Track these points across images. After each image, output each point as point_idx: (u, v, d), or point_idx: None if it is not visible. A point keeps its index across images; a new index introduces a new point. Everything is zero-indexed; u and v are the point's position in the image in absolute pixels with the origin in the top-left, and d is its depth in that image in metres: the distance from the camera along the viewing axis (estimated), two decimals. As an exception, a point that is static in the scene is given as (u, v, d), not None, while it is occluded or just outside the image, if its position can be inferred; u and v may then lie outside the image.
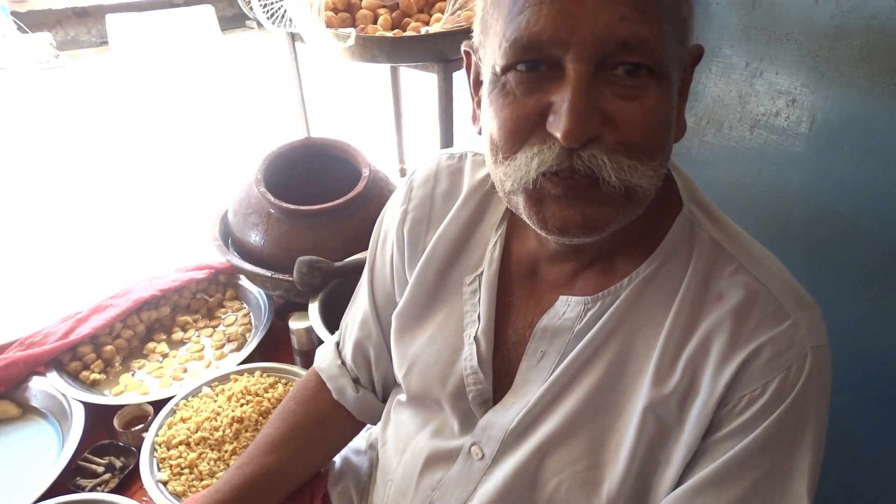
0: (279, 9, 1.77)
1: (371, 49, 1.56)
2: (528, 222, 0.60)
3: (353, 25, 1.67)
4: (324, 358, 0.96)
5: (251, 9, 1.86)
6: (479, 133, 0.64)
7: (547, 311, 0.69)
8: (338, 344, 0.96)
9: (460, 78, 1.72)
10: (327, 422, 0.93)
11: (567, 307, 0.67)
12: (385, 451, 0.87)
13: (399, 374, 0.82)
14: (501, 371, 0.73)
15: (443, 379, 0.75)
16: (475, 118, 0.65)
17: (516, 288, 0.73)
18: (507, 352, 0.73)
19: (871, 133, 0.93)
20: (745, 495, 0.58)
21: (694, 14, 0.56)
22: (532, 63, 0.53)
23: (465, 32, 1.59)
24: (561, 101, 0.51)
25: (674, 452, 0.62)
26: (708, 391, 0.59)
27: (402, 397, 0.84)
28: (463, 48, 0.65)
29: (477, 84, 0.64)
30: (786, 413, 0.57)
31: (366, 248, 1.58)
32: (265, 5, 1.80)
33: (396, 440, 0.84)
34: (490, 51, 0.56)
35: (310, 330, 1.47)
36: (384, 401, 0.93)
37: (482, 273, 0.74)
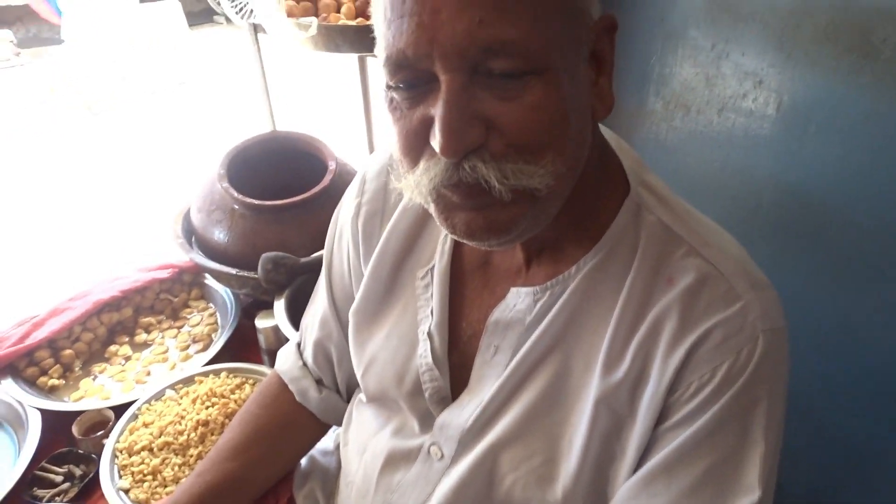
0: (247, 3, 1.72)
1: (334, 38, 1.52)
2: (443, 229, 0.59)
3: (316, 15, 1.63)
4: (285, 360, 0.93)
5: (219, 3, 1.82)
6: None
7: (499, 304, 0.66)
8: (299, 345, 0.93)
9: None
10: (291, 425, 0.91)
11: (518, 299, 0.65)
12: (346, 452, 0.84)
13: (358, 374, 0.80)
14: (458, 366, 0.71)
15: (399, 377, 0.73)
16: None
17: (469, 280, 0.72)
18: (463, 346, 0.71)
19: (837, 112, 0.92)
20: (695, 484, 0.57)
21: None
22: (409, 82, 0.51)
23: (430, 20, 1.55)
24: (437, 115, 0.50)
25: (628, 443, 0.61)
26: (658, 378, 0.58)
27: (363, 396, 0.82)
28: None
29: None
30: (735, 398, 0.56)
31: (334, 244, 1.55)
32: (234, 1, 1.76)
33: (357, 441, 0.82)
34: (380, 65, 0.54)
35: (277, 328, 1.43)
36: (349, 401, 0.90)
37: (434, 266, 0.72)
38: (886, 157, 0.89)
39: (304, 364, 0.91)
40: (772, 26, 0.93)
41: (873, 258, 0.96)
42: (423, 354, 0.71)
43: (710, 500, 0.56)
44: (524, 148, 0.51)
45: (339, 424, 0.93)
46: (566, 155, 0.54)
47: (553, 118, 0.52)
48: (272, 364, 1.47)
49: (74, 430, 1.29)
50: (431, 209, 0.57)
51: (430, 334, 0.70)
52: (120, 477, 1.21)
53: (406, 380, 0.73)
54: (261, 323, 1.44)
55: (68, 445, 1.30)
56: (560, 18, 0.51)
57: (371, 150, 2.39)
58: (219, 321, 1.65)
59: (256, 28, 1.84)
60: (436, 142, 0.50)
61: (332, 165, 1.63)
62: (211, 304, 1.72)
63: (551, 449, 0.63)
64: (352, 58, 2.27)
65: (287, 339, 1.44)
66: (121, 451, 1.25)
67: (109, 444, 1.25)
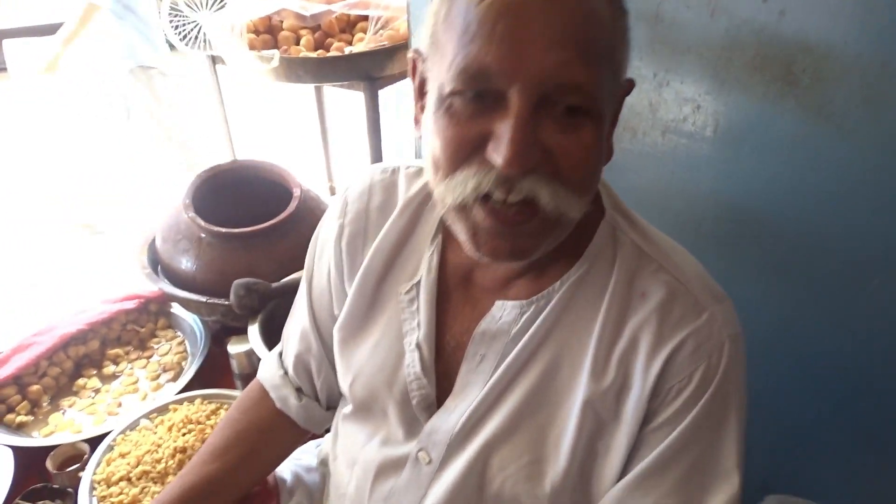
0: (193, 30, 1.75)
1: (296, 70, 1.58)
2: (465, 244, 0.63)
3: (275, 47, 1.68)
4: (266, 368, 0.96)
5: (163, 32, 1.84)
6: (421, 137, 0.67)
7: (484, 316, 0.72)
8: (280, 354, 0.97)
9: (386, 95, 1.76)
10: (271, 430, 0.93)
11: (503, 311, 0.71)
12: (336, 465, 0.88)
13: (344, 385, 0.83)
14: (442, 375, 0.76)
15: (388, 386, 0.77)
16: (417, 122, 0.68)
17: (452, 295, 0.76)
18: (448, 357, 0.76)
19: (767, 133, 1.02)
20: (685, 476, 0.64)
21: (629, 55, 0.61)
22: (478, 92, 0.55)
23: (389, 52, 1.63)
24: (503, 131, 0.54)
25: (613, 443, 0.67)
26: (640, 385, 0.65)
27: (348, 410, 0.85)
28: (409, 55, 0.67)
29: (421, 90, 0.67)
30: (712, 398, 0.63)
31: (302, 268, 1.59)
32: (178, 27, 1.78)
33: (346, 454, 0.85)
34: (438, 68, 0.59)
35: (250, 353, 1.45)
36: (328, 409, 0.94)
37: (419, 281, 0.77)
38: (811, 171, 1.00)
39: (285, 373, 0.94)
40: (707, 58, 1.04)
41: (803, 263, 1.07)
42: (412, 364, 0.75)
43: (697, 488, 0.64)
44: (570, 179, 0.57)
45: (319, 431, 0.97)
46: (592, 193, 0.61)
47: (596, 159, 0.59)
48: (245, 387, 1.50)
49: (49, 464, 1.29)
50: (457, 223, 0.62)
51: (418, 345, 0.75)
52: (99, 509, 1.21)
53: (394, 389, 0.77)
54: (233, 348, 1.46)
55: (42, 481, 1.29)
56: (614, 74, 0.58)
57: (329, 175, 2.43)
58: (188, 349, 1.66)
59: (215, 59, 1.87)
60: (499, 154, 0.54)
61: (296, 192, 1.67)
62: (179, 333, 1.72)
63: (538, 448, 0.69)
64: (307, 87, 2.32)
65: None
66: (98, 483, 1.25)
67: (87, 476, 1.25)
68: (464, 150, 0.57)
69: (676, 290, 0.66)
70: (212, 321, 1.65)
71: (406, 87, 1.73)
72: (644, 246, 0.69)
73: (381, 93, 1.70)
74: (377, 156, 1.74)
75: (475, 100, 0.56)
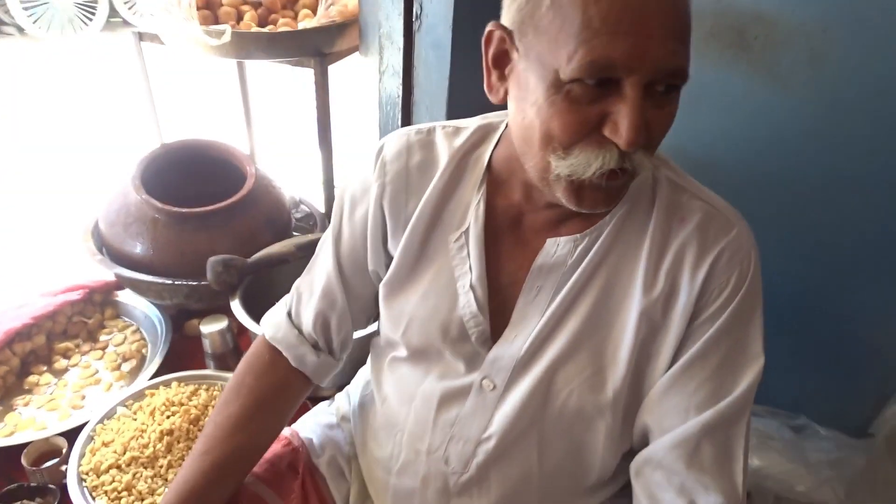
0: (45, 12, 1.65)
1: (247, 46, 1.55)
2: (561, 200, 0.70)
3: (216, 22, 1.63)
4: (277, 329, 0.96)
5: (7, 11, 1.72)
6: (499, 101, 0.73)
7: (539, 252, 0.80)
8: (289, 314, 0.97)
9: (335, 71, 1.76)
10: (287, 389, 0.95)
11: (557, 246, 0.79)
12: (388, 406, 0.91)
13: (396, 334, 0.87)
14: (496, 312, 0.82)
15: (444, 329, 0.83)
16: (491, 87, 0.74)
17: (502, 237, 0.83)
18: (501, 294, 0.82)
19: (722, 93, 1.18)
20: (723, 361, 0.76)
21: None
22: (600, 80, 0.62)
23: (340, 28, 1.64)
24: (622, 115, 0.61)
25: (663, 344, 0.77)
26: (688, 290, 0.76)
27: (401, 354, 0.89)
28: (490, 27, 0.72)
29: (499, 60, 0.72)
30: (744, 296, 0.76)
31: (261, 247, 1.58)
32: (29, 9, 1.68)
33: (400, 393, 0.89)
34: (546, 52, 0.64)
35: (223, 332, 1.43)
36: (339, 360, 0.98)
37: (468, 229, 0.83)
38: (759, 125, 1.16)
39: (300, 332, 0.95)
40: (669, 27, 1.18)
41: (754, 200, 1.22)
42: (467, 304, 0.81)
43: (732, 369, 0.76)
44: (655, 144, 0.67)
45: (326, 383, 0.99)
46: None
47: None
48: (218, 367, 1.47)
49: (24, 461, 1.21)
50: (560, 185, 0.68)
51: (472, 286, 0.81)
52: (93, 498, 1.16)
53: (451, 329, 0.82)
54: (207, 328, 1.43)
55: (12, 482, 1.21)
56: None
57: (252, 155, 2.38)
58: (145, 336, 1.59)
59: (141, 36, 1.78)
60: (619, 136, 0.62)
61: (251, 170, 1.65)
62: (131, 321, 1.64)
63: (598, 361, 0.77)
64: (230, 65, 2.26)
65: (234, 342, 1.46)
66: (87, 474, 1.19)
67: (72, 468, 1.19)
68: (583, 130, 0.65)
69: (709, 212, 0.78)
70: (170, 305, 1.60)
71: (353, 63, 1.75)
72: (677, 179, 0.80)
73: (330, 69, 1.71)
74: (325, 130, 1.74)
75: (596, 87, 0.62)
